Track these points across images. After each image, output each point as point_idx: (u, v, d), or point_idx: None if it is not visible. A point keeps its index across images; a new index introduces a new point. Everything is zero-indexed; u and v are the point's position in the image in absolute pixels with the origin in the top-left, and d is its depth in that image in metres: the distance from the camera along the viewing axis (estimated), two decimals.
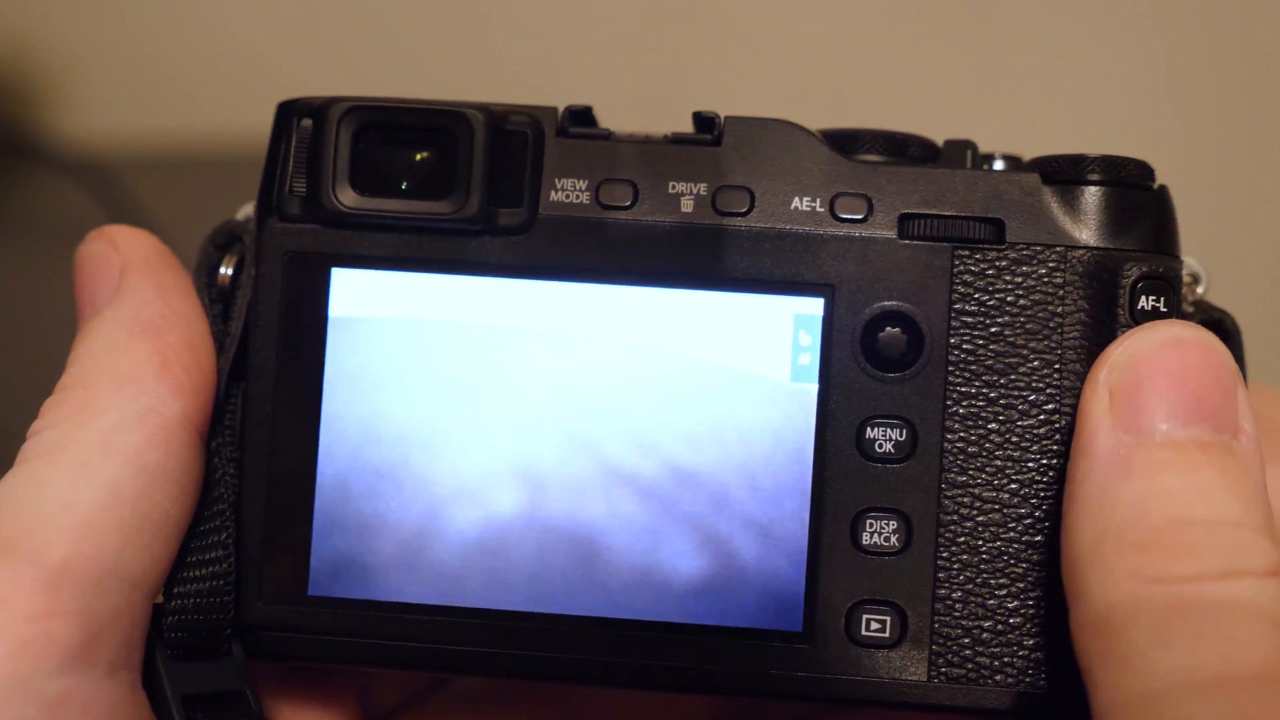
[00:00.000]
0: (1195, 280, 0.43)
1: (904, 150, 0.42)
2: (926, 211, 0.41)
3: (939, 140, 0.43)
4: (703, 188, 0.41)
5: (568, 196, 0.41)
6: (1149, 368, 0.38)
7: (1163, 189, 0.42)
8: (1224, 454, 0.37)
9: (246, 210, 0.44)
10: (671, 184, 0.41)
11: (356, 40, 0.88)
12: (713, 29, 0.85)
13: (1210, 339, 0.38)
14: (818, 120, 0.43)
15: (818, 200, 0.41)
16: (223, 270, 0.43)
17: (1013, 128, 0.82)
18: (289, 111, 0.42)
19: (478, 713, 0.48)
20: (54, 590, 0.37)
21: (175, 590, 0.41)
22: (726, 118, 0.42)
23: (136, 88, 0.90)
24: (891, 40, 0.85)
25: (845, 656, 0.41)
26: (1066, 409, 0.41)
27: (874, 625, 0.41)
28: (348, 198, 0.41)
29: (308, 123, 0.42)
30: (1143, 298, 0.41)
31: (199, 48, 0.90)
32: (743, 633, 0.41)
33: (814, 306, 0.41)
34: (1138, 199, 0.41)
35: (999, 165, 0.43)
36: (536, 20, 0.87)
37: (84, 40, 0.90)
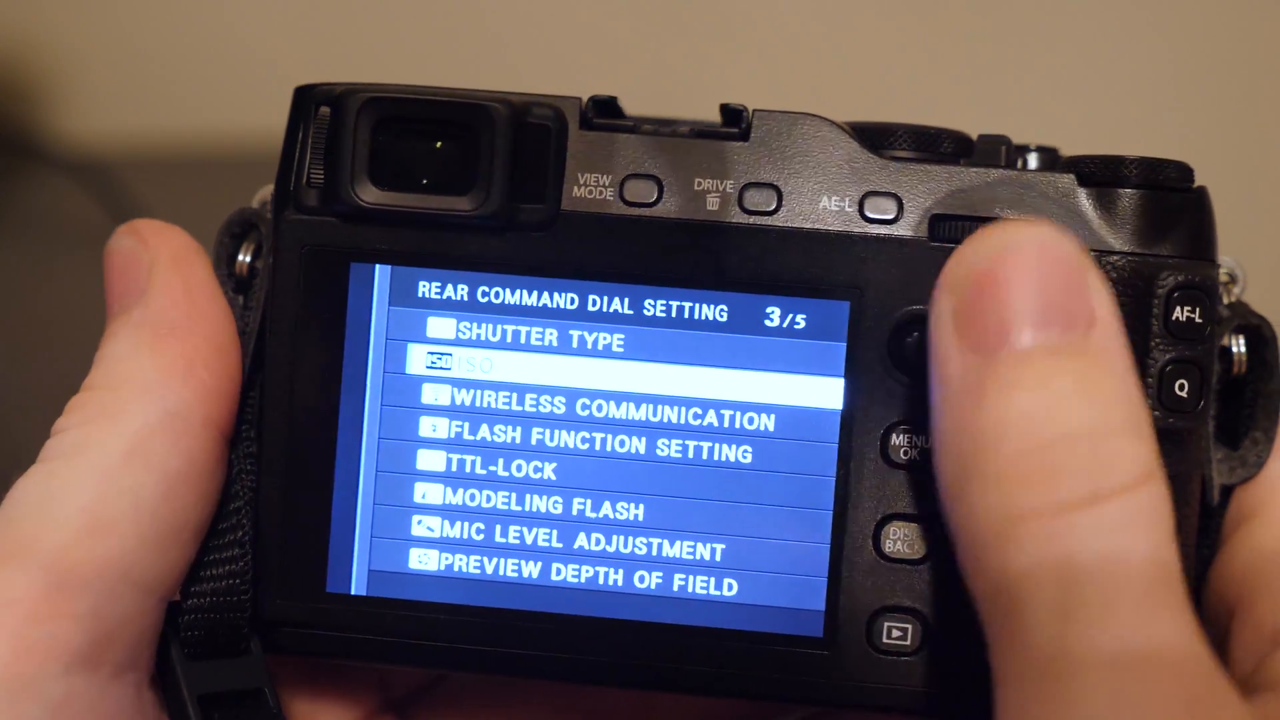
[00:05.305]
0: (1232, 280, 0.42)
1: (936, 145, 0.41)
2: (959, 213, 0.40)
3: (972, 132, 0.42)
4: (729, 185, 0.40)
5: (591, 192, 0.40)
6: (985, 279, 0.36)
7: (1202, 191, 0.41)
8: (1076, 356, 0.35)
9: (262, 195, 0.43)
10: (697, 180, 0.40)
11: (362, 38, 0.88)
12: (732, 17, 0.85)
13: (1046, 233, 0.36)
14: (841, 112, 0.42)
15: (846, 200, 0.40)
16: (241, 258, 0.43)
17: (1041, 117, 0.81)
18: (307, 97, 0.41)
19: (498, 696, 0.48)
20: (65, 594, 0.37)
21: (192, 589, 0.41)
22: (755, 111, 0.41)
23: (137, 87, 0.90)
24: (914, 28, 0.84)
25: (866, 663, 0.40)
26: None
27: (895, 633, 0.40)
28: (367, 193, 0.40)
29: (326, 111, 0.41)
30: (1178, 308, 0.40)
31: (200, 47, 0.89)
32: (763, 637, 0.41)
33: (840, 309, 0.40)
34: (1176, 203, 0.40)
35: (1032, 158, 0.42)
36: (548, 8, 0.86)
37: (84, 40, 0.90)
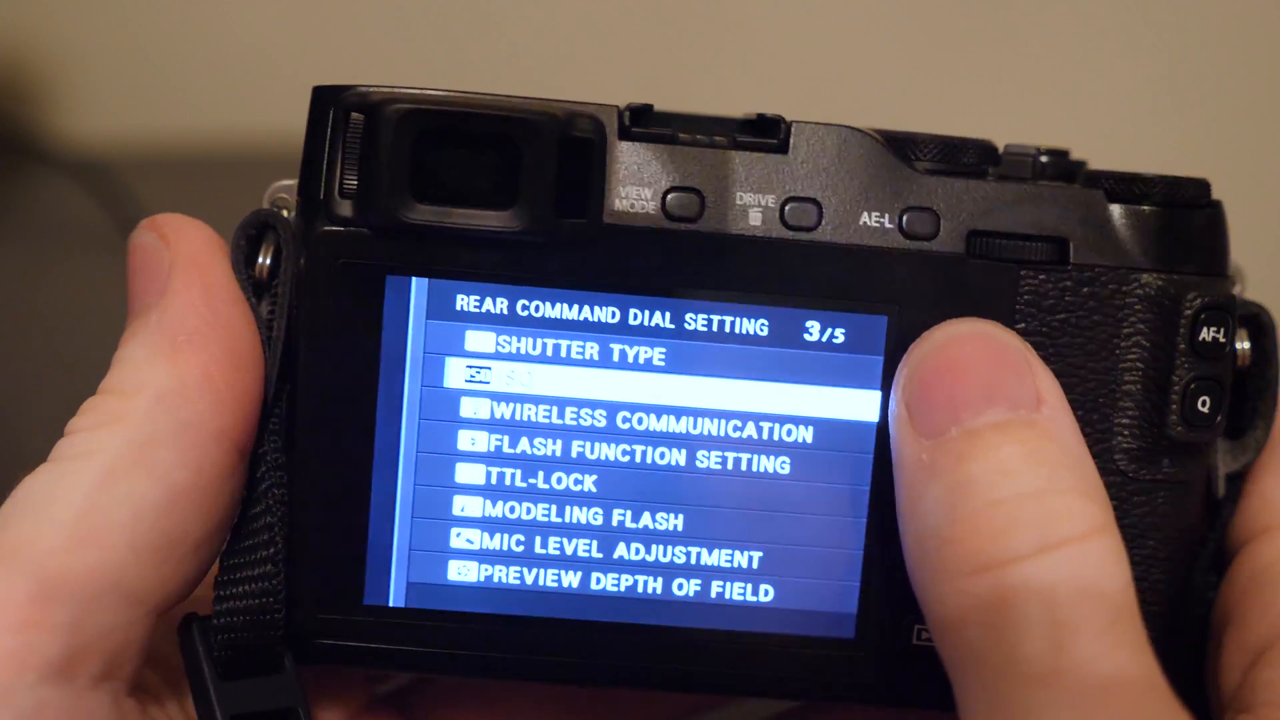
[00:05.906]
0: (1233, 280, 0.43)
1: (961, 156, 0.41)
2: (994, 229, 0.41)
3: (977, 135, 0.42)
4: (770, 199, 0.41)
5: (633, 206, 0.40)
6: (932, 371, 0.38)
7: (1218, 205, 0.42)
8: (1023, 428, 0.37)
9: (272, 192, 0.42)
10: (739, 194, 0.41)
11: (366, 37, 0.88)
12: (741, 19, 0.85)
13: (988, 326, 0.39)
14: (846, 116, 0.42)
15: (886, 216, 0.41)
16: (261, 260, 0.41)
17: (1045, 117, 0.82)
18: (334, 102, 0.40)
19: (496, 691, 0.48)
20: (45, 603, 0.37)
21: (222, 606, 0.40)
22: (792, 122, 0.41)
23: (138, 87, 0.89)
24: (921, 33, 0.84)
25: (896, 661, 0.41)
26: (1122, 431, 0.41)
27: (924, 634, 0.41)
28: (408, 207, 0.40)
29: (358, 118, 0.39)
30: (1204, 329, 0.41)
31: (201, 47, 0.89)
32: (798, 640, 0.42)
33: (879, 324, 0.41)
34: (1198, 220, 0.41)
35: (1044, 160, 0.42)
36: (554, 5, 0.86)
37: (84, 40, 0.89)
